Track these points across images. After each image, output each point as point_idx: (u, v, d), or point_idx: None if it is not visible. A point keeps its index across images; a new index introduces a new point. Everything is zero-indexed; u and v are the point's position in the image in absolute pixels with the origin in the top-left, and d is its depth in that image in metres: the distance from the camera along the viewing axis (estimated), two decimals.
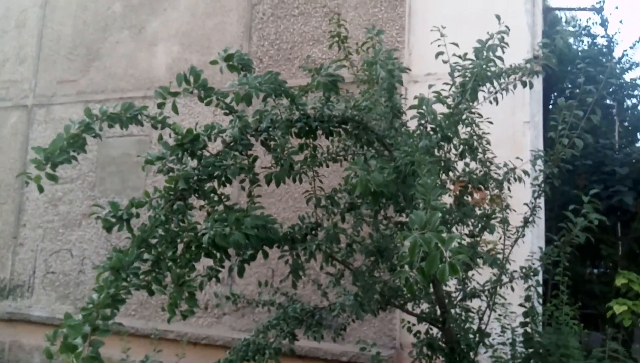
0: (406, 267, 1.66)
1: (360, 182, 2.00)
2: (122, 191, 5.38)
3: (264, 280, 3.63)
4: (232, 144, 2.29)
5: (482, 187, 2.98)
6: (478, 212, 2.95)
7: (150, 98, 5.31)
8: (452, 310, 3.08)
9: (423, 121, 2.39)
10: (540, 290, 3.06)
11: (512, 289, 2.94)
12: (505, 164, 2.95)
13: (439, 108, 2.47)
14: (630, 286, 4.04)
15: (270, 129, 2.38)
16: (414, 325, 3.20)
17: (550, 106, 5.66)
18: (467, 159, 2.98)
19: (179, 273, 2.10)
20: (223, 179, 2.25)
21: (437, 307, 3.08)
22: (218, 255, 2.36)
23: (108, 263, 2.00)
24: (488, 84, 2.66)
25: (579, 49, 7.85)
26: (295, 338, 3.27)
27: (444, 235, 1.56)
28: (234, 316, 4.99)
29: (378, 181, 2.03)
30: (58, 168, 2.05)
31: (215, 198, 2.27)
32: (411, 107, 2.38)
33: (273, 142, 2.43)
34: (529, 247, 3.38)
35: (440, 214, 1.62)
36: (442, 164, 2.78)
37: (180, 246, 2.18)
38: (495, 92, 2.70)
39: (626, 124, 7.66)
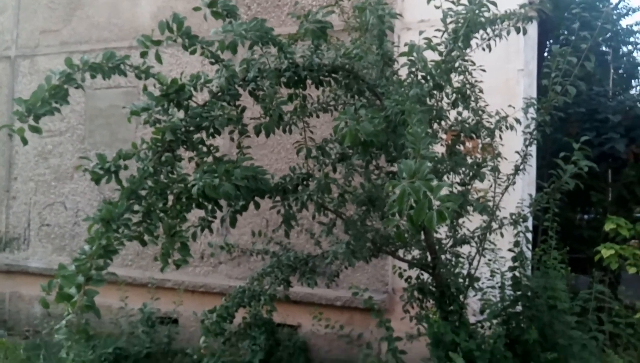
0: (396, 216, 1.68)
1: (349, 132, 1.99)
2: (112, 143, 5.32)
3: (258, 230, 3.67)
4: (219, 94, 2.25)
5: (474, 136, 2.97)
6: (469, 161, 2.95)
7: (136, 48, 5.15)
8: (443, 256, 3.15)
9: (414, 69, 2.34)
10: (529, 235, 3.11)
11: (502, 235, 2.99)
12: (498, 113, 2.92)
13: (431, 56, 2.42)
14: (618, 231, 4.12)
15: (258, 78, 2.33)
16: (405, 270, 3.27)
17: (545, 54, 5.56)
18: (460, 108, 2.95)
19: (170, 223, 2.11)
20: (211, 130, 2.23)
21: (427, 253, 3.14)
22: (209, 206, 2.37)
23: (98, 215, 2.00)
24: (481, 31, 2.60)
25: None
26: (290, 285, 3.34)
27: (432, 183, 1.56)
28: (230, 265, 5.08)
29: (368, 131, 2.01)
30: (46, 121, 2.01)
31: (204, 150, 2.25)
32: (401, 54, 2.33)
33: (261, 92, 2.39)
34: (519, 194, 3.41)
35: (429, 163, 1.62)
36: (434, 113, 2.76)
37: (171, 198, 2.18)
38: (489, 39, 2.65)
39: (621, 71, 7.57)
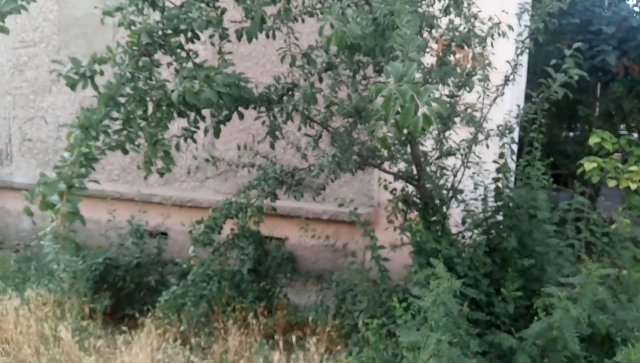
0: (382, 121, 1.64)
1: (335, 34, 1.89)
2: (90, 54, 5.09)
3: (244, 144, 3.63)
4: None
5: (465, 45, 2.87)
6: (459, 70, 2.88)
7: None
8: (428, 168, 3.16)
9: None
10: (515, 147, 3.12)
11: (487, 146, 2.99)
12: (490, 19, 2.81)
13: None
14: (602, 144, 4.14)
15: None
16: (390, 183, 3.30)
17: None
18: (452, 15, 2.83)
19: (151, 131, 2.06)
20: (190, 34, 2.12)
21: (413, 166, 3.15)
22: (192, 115, 2.31)
23: (76, 122, 1.94)
24: None
25: None
26: (276, 197, 3.37)
27: (420, 87, 1.51)
28: (217, 180, 5.09)
29: (355, 34, 1.92)
30: (18, 31, 1.89)
31: (183, 55, 2.15)
32: None
33: None
34: (507, 106, 3.37)
35: (416, 66, 1.55)
36: (425, 19, 2.64)
37: (151, 105, 2.11)
38: None
39: None
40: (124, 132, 2.04)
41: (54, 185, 1.87)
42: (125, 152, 2.07)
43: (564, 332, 2.19)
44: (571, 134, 7.15)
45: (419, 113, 1.48)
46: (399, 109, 1.52)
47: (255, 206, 3.25)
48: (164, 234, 4.74)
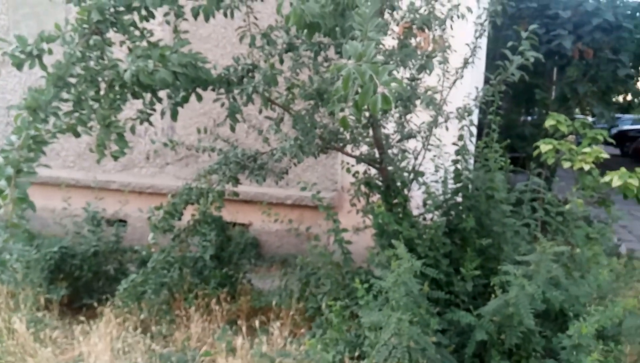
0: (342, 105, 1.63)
1: (294, 12, 1.86)
2: None
3: (204, 127, 3.55)
4: None
5: (425, 28, 2.88)
6: (419, 53, 2.89)
7: None
8: (389, 151, 3.18)
9: None
10: (473, 129, 3.17)
11: (447, 128, 3.02)
12: (449, 0, 2.82)
13: None
14: (558, 127, 4.27)
15: None
16: (353, 166, 3.30)
17: None
18: None
19: (104, 113, 1.98)
20: (143, 11, 2.03)
21: (375, 149, 3.16)
22: (147, 96, 2.24)
23: (24, 103, 1.85)
24: None
25: None
26: (238, 182, 3.31)
27: (379, 66, 1.50)
28: (178, 166, 4.99)
29: (314, 12, 1.89)
30: None
31: (137, 33, 2.07)
32: None
33: None
34: (467, 89, 3.41)
35: (374, 45, 1.54)
36: (386, 2, 2.63)
37: (103, 86, 2.02)
38: None
39: None
40: (76, 114, 1.95)
41: (1, 170, 1.78)
42: (77, 135, 1.99)
43: (520, 308, 2.26)
44: (529, 118, 7.36)
45: (378, 93, 1.47)
46: (358, 89, 1.51)
47: (216, 191, 3.20)
48: (123, 221, 4.63)
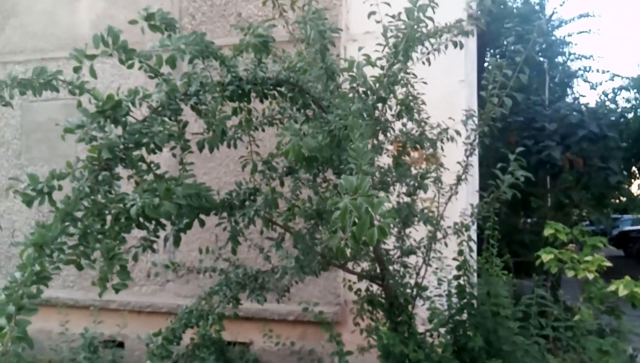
0: (340, 233, 1.67)
1: (292, 148, 1.97)
2: (51, 159, 5.09)
3: (206, 247, 3.58)
4: (159, 109, 2.18)
5: (418, 147, 3.03)
6: (414, 172, 3.01)
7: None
8: (391, 267, 3.18)
9: (355, 85, 2.36)
10: (472, 244, 3.19)
11: (446, 244, 3.05)
12: (439, 125, 3.00)
13: (374, 70, 2.45)
14: (557, 235, 4.30)
15: (200, 92, 2.28)
16: (354, 283, 3.28)
17: (486, 64, 5.77)
18: (405, 119, 3.00)
19: (108, 246, 2.01)
20: (152, 146, 2.15)
21: (376, 265, 3.16)
22: (151, 226, 2.29)
23: (30, 240, 1.89)
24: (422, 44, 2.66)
25: (514, 6, 8.01)
26: (239, 303, 3.27)
27: (374, 199, 1.57)
28: (178, 283, 4.94)
29: (311, 147, 2.01)
30: None
31: (144, 167, 2.17)
32: (342, 70, 2.34)
33: (204, 106, 2.34)
34: (462, 204, 3.50)
35: (369, 179, 1.62)
36: (379, 125, 2.80)
37: (109, 219, 2.08)
38: (428, 53, 2.71)
39: (557, 80, 7.98)
40: (80, 248, 1.99)
41: (2, 308, 1.78)
42: (80, 268, 2.00)
43: None
44: (528, 220, 7.41)
45: (375, 225, 1.52)
46: (355, 220, 1.57)
47: (217, 313, 3.15)
48: (121, 344, 4.49)
